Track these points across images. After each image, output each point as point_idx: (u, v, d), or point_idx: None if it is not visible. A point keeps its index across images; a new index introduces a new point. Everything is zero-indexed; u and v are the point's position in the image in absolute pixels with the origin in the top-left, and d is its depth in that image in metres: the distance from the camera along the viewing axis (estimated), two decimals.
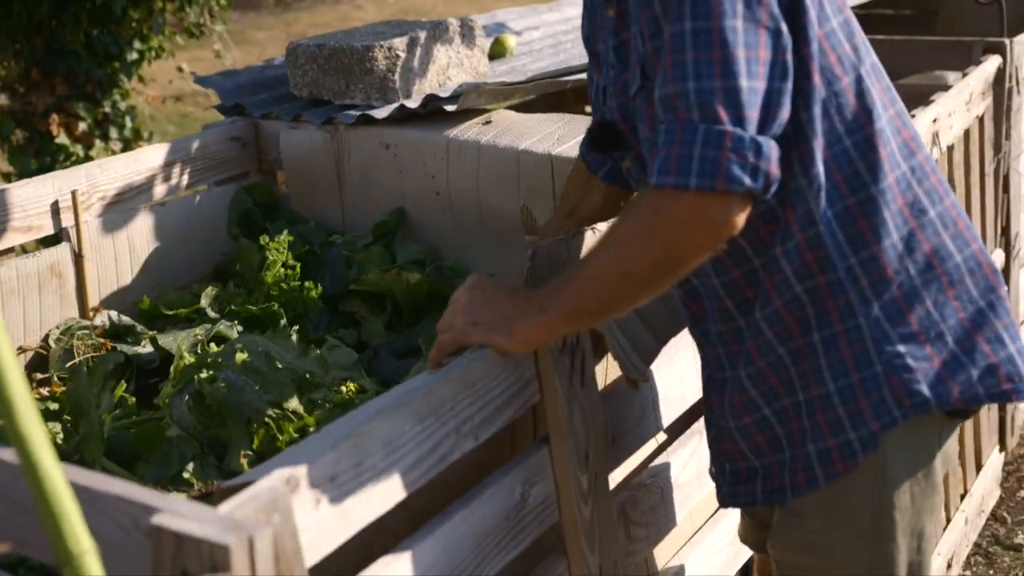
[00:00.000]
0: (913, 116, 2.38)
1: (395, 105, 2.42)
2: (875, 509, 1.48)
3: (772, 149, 1.28)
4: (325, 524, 1.21)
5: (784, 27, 1.31)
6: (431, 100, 2.40)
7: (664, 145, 1.28)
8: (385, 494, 1.29)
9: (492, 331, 1.44)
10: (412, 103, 2.42)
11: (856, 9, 3.76)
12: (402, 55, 2.48)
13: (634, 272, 1.34)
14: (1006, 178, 2.92)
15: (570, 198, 1.84)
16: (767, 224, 1.44)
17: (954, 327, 1.48)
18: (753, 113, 1.27)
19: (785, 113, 1.31)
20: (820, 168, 1.40)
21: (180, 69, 4.37)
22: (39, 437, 0.78)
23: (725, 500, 1.64)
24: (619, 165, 1.72)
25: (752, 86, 1.27)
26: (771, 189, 1.29)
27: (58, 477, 0.80)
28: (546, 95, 3.73)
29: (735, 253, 1.47)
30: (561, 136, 2.26)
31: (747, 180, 1.26)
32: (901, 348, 1.45)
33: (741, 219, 1.29)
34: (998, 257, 2.89)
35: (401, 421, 1.31)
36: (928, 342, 1.46)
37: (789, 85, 1.31)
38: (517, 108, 3.64)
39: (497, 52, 3.06)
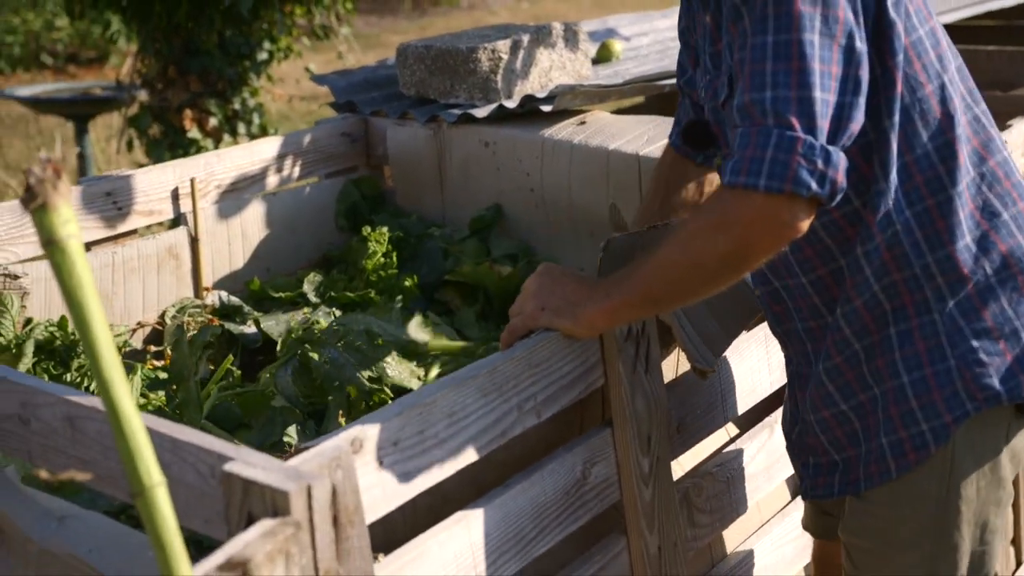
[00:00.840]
0: (1011, 126, 2.38)
1: (495, 105, 2.52)
2: (941, 499, 1.53)
3: (841, 159, 1.34)
4: (387, 485, 1.31)
5: (860, 44, 1.37)
6: (528, 100, 2.50)
7: (739, 148, 1.35)
8: (446, 461, 1.38)
9: (558, 315, 1.53)
10: (511, 103, 2.52)
11: (966, 21, 3.73)
12: (505, 57, 2.58)
13: (701, 264, 1.41)
14: None
15: (661, 187, 1.90)
16: (852, 225, 1.51)
17: None
18: (825, 123, 1.33)
19: (856, 126, 1.37)
20: (902, 172, 1.47)
21: (307, 69, 4.57)
22: (120, 383, 0.88)
23: (807, 492, 1.71)
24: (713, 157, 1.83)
25: (825, 98, 1.33)
26: (836, 197, 1.35)
27: (135, 417, 0.90)
28: (655, 98, 3.80)
29: (823, 253, 1.54)
30: (651, 137, 2.33)
31: (814, 185, 1.32)
32: (975, 343, 1.50)
33: (806, 223, 1.35)
34: None
35: (465, 394, 1.40)
36: (1002, 338, 1.51)
37: (861, 100, 1.37)
38: (624, 111, 3.72)
39: (603, 56, 3.14)
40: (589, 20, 3.58)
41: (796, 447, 1.71)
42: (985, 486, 1.54)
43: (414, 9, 11.19)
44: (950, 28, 3.38)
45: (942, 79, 1.48)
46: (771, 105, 1.33)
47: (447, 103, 2.62)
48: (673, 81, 2.70)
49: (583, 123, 2.46)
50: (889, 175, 1.47)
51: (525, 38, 2.64)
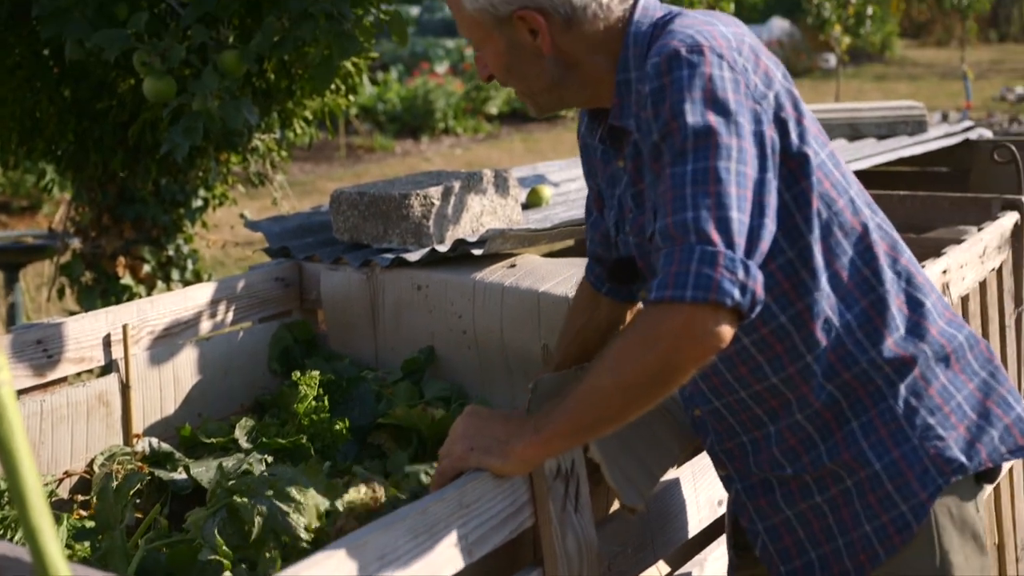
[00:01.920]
0: (924, 267, 2.48)
1: (427, 249, 2.57)
2: (936, 573, 1.62)
3: (758, 273, 1.43)
4: None
5: (769, 175, 1.49)
6: (460, 244, 2.56)
7: (663, 267, 1.44)
8: None
9: (487, 454, 1.55)
10: (443, 247, 2.58)
11: (895, 166, 3.90)
12: (436, 203, 2.65)
13: (630, 383, 1.46)
14: None
15: (576, 319, 2.01)
16: (800, 331, 1.61)
17: (968, 397, 1.66)
18: (741, 240, 1.43)
19: (765, 246, 1.47)
20: (834, 279, 1.60)
21: (242, 216, 4.62)
22: (49, 531, 0.88)
23: None
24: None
25: (741, 218, 1.43)
26: (756, 308, 1.44)
27: (63, 568, 0.89)
28: (582, 241, 3.88)
29: (756, 369, 1.65)
30: (579, 279, 2.38)
31: (736, 294, 1.40)
32: (931, 420, 1.63)
33: (730, 332, 1.42)
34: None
35: (396, 535, 1.41)
36: (952, 412, 1.64)
37: (769, 223, 1.48)
38: (555, 254, 3.80)
39: (533, 201, 3.23)
40: (520, 167, 3.68)
41: (765, 558, 1.75)
42: (971, 553, 1.64)
43: (349, 156, 11.37)
44: (864, 174, 3.52)
45: (849, 193, 1.64)
46: (692, 223, 1.42)
47: (380, 248, 2.67)
48: None
49: (513, 266, 2.51)
50: (820, 285, 1.59)
51: (456, 184, 2.71)
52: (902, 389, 1.63)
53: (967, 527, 1.64)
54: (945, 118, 9.06)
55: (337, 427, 2.32)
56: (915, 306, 1.67)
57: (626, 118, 1.64)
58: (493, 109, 12.67)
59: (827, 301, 1.60)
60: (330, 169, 11.03)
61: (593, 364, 1.53)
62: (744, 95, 1.49)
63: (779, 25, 17.19)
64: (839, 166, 1.65)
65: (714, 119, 1.46)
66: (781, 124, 1.55)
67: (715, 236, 1.41)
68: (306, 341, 2.68)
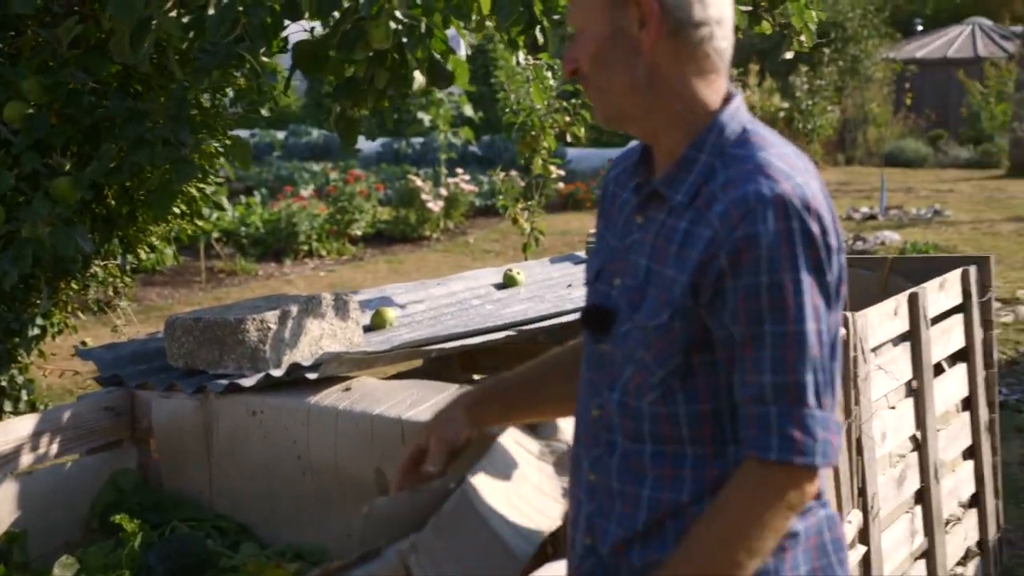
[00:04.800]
0: None
1: (262, 374, 2.54)
2: None
3: (835, 424, 1.57)
4: None
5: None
6: (295, 369, 2.53)
7: (763, 427, 1.53)
8: None
9: None
10: (278, 372, 2.55)
11: None
12: (273, 327, 2.62)
13: (759, 549, 1.55)
14: (859, 441, 3.07)
15: (543, 370, 1.95)
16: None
17: None
18: (828, 399, 1.55)
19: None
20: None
21: (83, 343, 4.50)
22: None
23: None
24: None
25: (825, 378, 1.55)
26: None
27: None
28: (434, 361, 3.88)
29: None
30: (414, 401, 2.38)
31: (830, 454, 1.55)
32: None
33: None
34: (855, 518, 2.99)
35: None
36: None
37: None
38: (403, 375, 3.79)
39: (377, 324, 3.22)
40: (367, 289, 3.68)
41: None
42: None
43: (209, 280, 11.22)
44: None
45: None
46: (795, 388, 1.53)
47: (215, 373, 2.63)
48: (441, 346, 2.81)
49: (348, 389, 2.50)
50: None
51: (294, 308, 2.70)
52: None
53: None
54: None
55: None
56: None
57: (674, 192, 1.62)
58: (357, 231, 12.70)
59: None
60: (190, 294, 10.85)
61: (713, 531, 1.56)
62: (827, 260, 1.55)
63: None
64: None
65: (812, 279, 1.53)
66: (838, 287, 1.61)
67: (811, 400, 1.52)
68: (134, 487, 2.58)
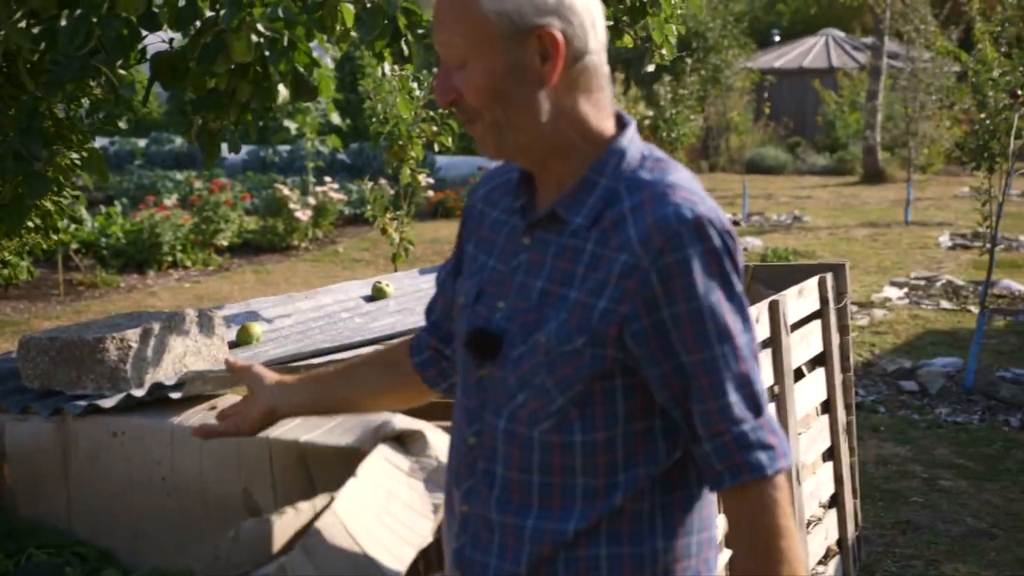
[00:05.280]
0: None
1: (123, 394, 2.47)
2: None
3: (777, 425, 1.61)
4: None
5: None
6: (157, 388, 2.47)
7: (726, 453, 1.55)
8: None
9: None
10: (140, 391, 2.48)
11: None
12: (134, 346, 2.55)
13: (799, 556, 1.57)
14: None
15: (376, 357, 1.95)
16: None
17: None
18: (767, 407, 1.60)
19: None
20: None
21: None
22: None
23: None
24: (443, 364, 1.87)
25: (762, 385, 1.59)
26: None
27: None
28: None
29: None
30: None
31: (785, 453, 1.58)
32: None
33: None
34: (722, 522, 3.05)
35: None
36: None
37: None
38: None
39: (243, 339, 3.16)
40: (232, 304, 3.61)
41: None
42: None
43: (68, 293, 10.88)
44: None
45: None
46: (753, 401, 1.57)
47: (73, 395, 2.54)
48: (308, 362, 2.77)
49: (214, 408, 2.44)
50: None
51: (156, 326, 2.63)
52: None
53: None
54: None
55: None
56: None
57: (574, 214, 1.58)
58: (224, 241, 12.46)
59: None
60: (47, 307, 10.50)
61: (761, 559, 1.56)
62: (739, 273, 1.57)
63: None
64: None
65: (738, 292, 1.55)
66: None
67: (764, 404, 1.57)
68: None
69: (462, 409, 1.67)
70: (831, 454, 3.82)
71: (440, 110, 5.38)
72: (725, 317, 1.53)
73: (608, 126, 1.61)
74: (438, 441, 2.20)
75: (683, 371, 1.54)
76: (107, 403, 2.46)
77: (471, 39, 1.53)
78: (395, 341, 1.94)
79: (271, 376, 1.97)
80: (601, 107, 1.61)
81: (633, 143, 1.61)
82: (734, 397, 1.53)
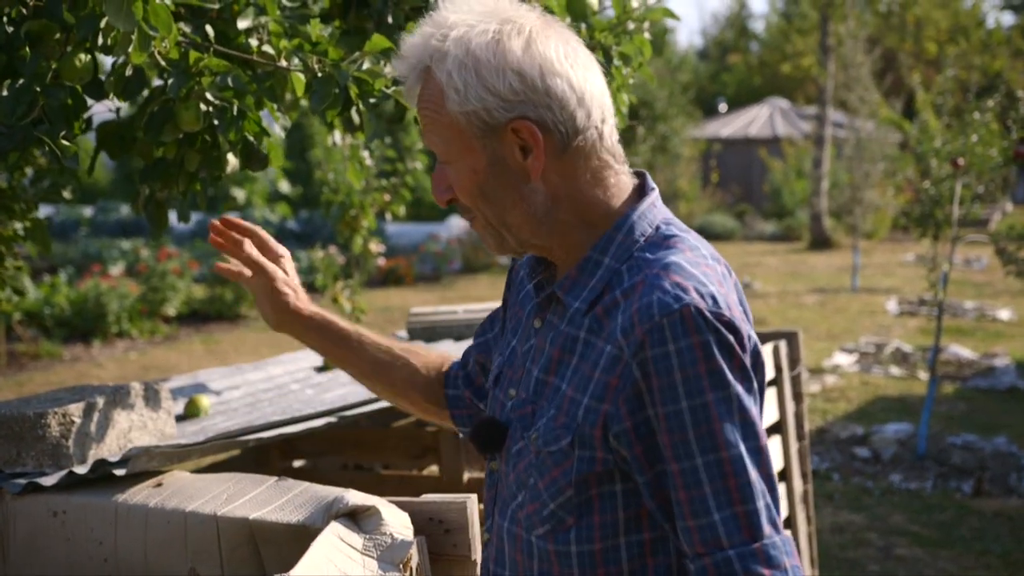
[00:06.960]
0: None
1: (64, 472, 2.39)
2: None
3: (786, 542, 1.38)
4: None
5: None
6: (100, 465, 2.39)
7: (741, 572, 1.34)
8: None
9: None
10: (83, 468, 2.40)
11: None
12: (78, 421, 2.48)
13: None
14: None
15: (411, 360, 1.86)
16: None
17: None
18: (769, 526, 1.37)
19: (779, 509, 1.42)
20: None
21: None
22: None
23: None
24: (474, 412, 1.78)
25: (767, 503, 1.37)
26: None
27: None
28: (252, 450, 3.76)
29: None
30: (230, 496, 2.27)
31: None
32: None
33: None
34: None
35: None
36: None
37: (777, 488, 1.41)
38: (219, 465, 3.65)
39: (191, 412, 3.09)
40: (179, 376, 3.54)
41: None
42: None
43: (11, 365, 10.67)
44: None
45: None
46: (722, 529, 1.36)
47: (12, 472, 2.45)
48: (258, 435, 2.70)
49: (159, 485, 2.37)
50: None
51: (100, 400, 2.56)
52: None
53: None
54: None
55: None
56: None
57: (573, 297, 1.47)
58: (171, 310, 12.31)
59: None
60: None
61: None
62: (752, 365, 1.40)
63: (457, 224, 17.88)
64: None
65: (739, 390, 1.36)
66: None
67: (767, 528, 1.36)
68: None
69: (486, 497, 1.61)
70: (788, 524, 3.79)
71: (392, 179, 5.36)
72: (713, 424, 1.34)
73: (618, 201, 1.49)
74: (392, 517, 2.14)
75: (664, 481, 1.38)
76: (48, 481, 2.37)
77: (447, 140, 1.46)
78: (434, 348, 1.88)
79: (292, 304, 1.99)
80: (608, 184, 1.49)
81: (644, 217, 1.48)
82: (718, 516, 1.34)
